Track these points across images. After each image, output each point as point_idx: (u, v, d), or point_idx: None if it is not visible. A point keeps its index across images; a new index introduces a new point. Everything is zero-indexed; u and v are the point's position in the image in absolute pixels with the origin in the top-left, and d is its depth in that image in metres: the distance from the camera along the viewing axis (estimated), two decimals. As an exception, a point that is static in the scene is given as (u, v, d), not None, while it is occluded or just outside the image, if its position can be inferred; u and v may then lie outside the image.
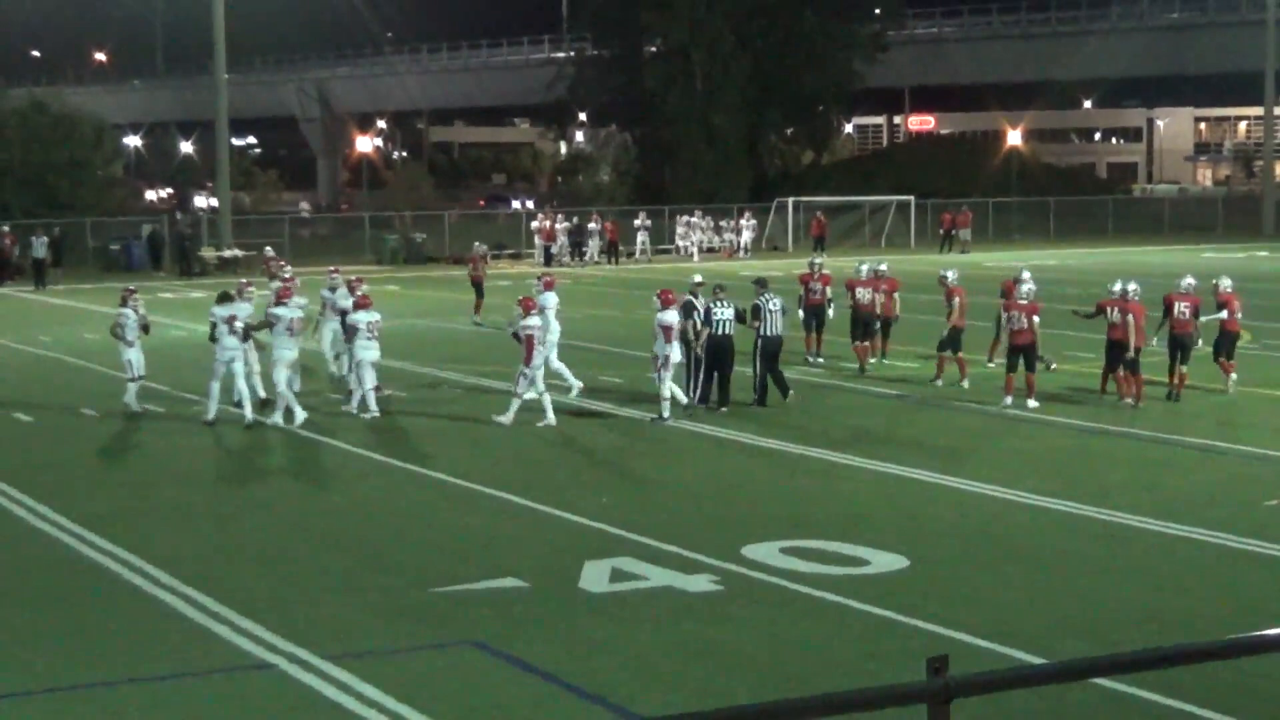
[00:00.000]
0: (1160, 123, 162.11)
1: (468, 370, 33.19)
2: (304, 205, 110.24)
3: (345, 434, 26.04)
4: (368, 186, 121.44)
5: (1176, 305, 29.16)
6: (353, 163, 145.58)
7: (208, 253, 68.06)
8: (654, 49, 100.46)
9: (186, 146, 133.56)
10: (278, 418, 26.79)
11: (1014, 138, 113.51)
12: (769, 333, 28.53)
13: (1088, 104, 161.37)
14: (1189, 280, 29.72)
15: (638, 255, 72.60)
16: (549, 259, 69.78)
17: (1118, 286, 28.92)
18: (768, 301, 28.82)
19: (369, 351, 27.85)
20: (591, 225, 72.41)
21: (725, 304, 28.25)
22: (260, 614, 15.48)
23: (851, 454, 23.76)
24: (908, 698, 6.52)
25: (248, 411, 26.85)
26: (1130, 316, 28.04)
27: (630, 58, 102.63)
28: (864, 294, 32.94)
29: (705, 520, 19.53)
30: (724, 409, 27.90)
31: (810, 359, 34.33)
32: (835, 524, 19.27)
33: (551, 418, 26.66)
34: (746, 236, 76.19)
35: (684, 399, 27.63)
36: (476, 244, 49.55)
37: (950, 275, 32.03)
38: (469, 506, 20.69)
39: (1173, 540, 18.39)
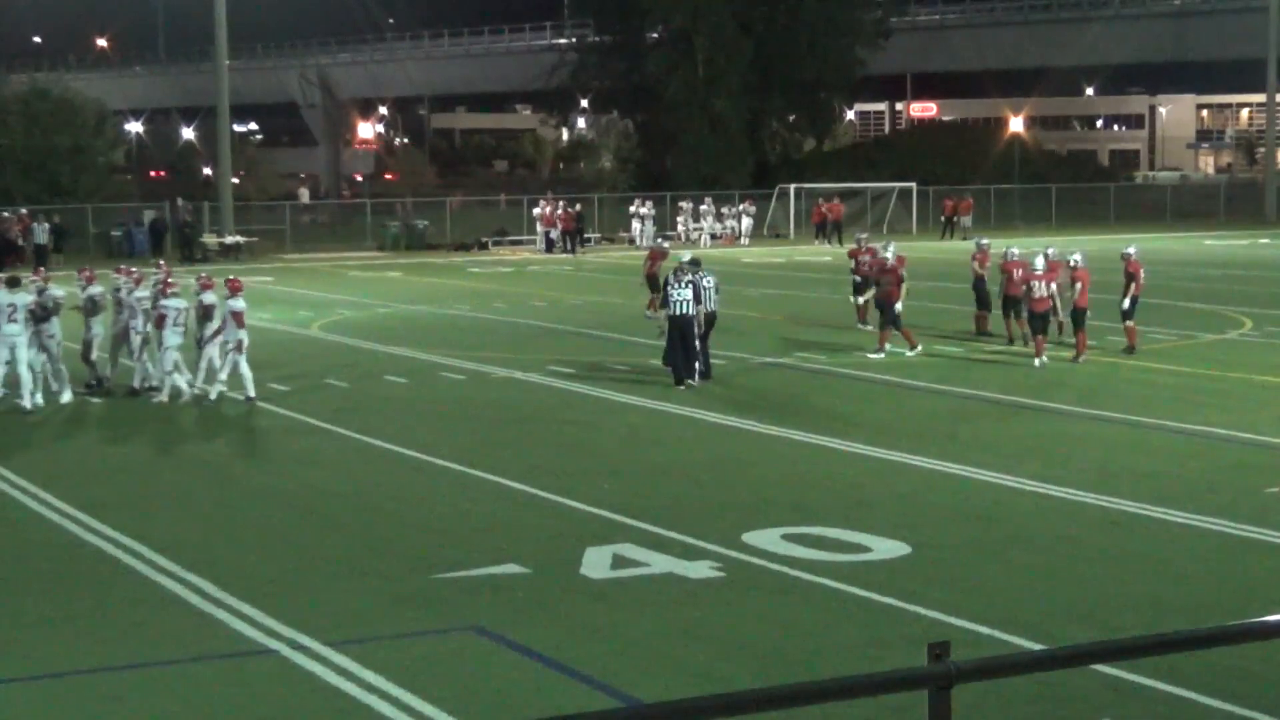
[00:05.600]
0: (1162, 110, 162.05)
1: (468, 356, 33.19)
2: (303, 191, 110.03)
3: (346, 420, 26.03)
4: (371, 172, 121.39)
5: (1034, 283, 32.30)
6: (355, 149, 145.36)
7: (209, 239, 68.09)
8: (655, 35, 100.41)
9: (188, 132, 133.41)
10: (163, 396, 28.07)
11: (1016, 124, 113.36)
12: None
13: (1090, 91, 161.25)
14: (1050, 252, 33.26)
15: (640, 242, 72.62)
16: (550, 245, 69.83)
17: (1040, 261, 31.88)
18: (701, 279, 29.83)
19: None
20: (540, 211, 72.22)
21: (683, 285, 29.22)
22: (261, 599, 15.49)
23: (852, 440, 23.76)
24: (909, 683, 6.52)
25: (26, 400, 27.46)
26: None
27: (632, 44, 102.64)
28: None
29: (706, 507, 19.52)
30: (689, 384, 28.84)
31: (861, 326, 36.84)
32: (836, 510, 19.27)
33: (165, 396, 27.94)
34: (745, 223, 76.26)
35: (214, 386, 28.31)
36: (659, 240, 50.15)
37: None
38: (471, 492, 20.69)
39: (1173, 527, 18.38)
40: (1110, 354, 32.36)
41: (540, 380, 30.06)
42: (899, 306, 32.50)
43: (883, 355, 32.39)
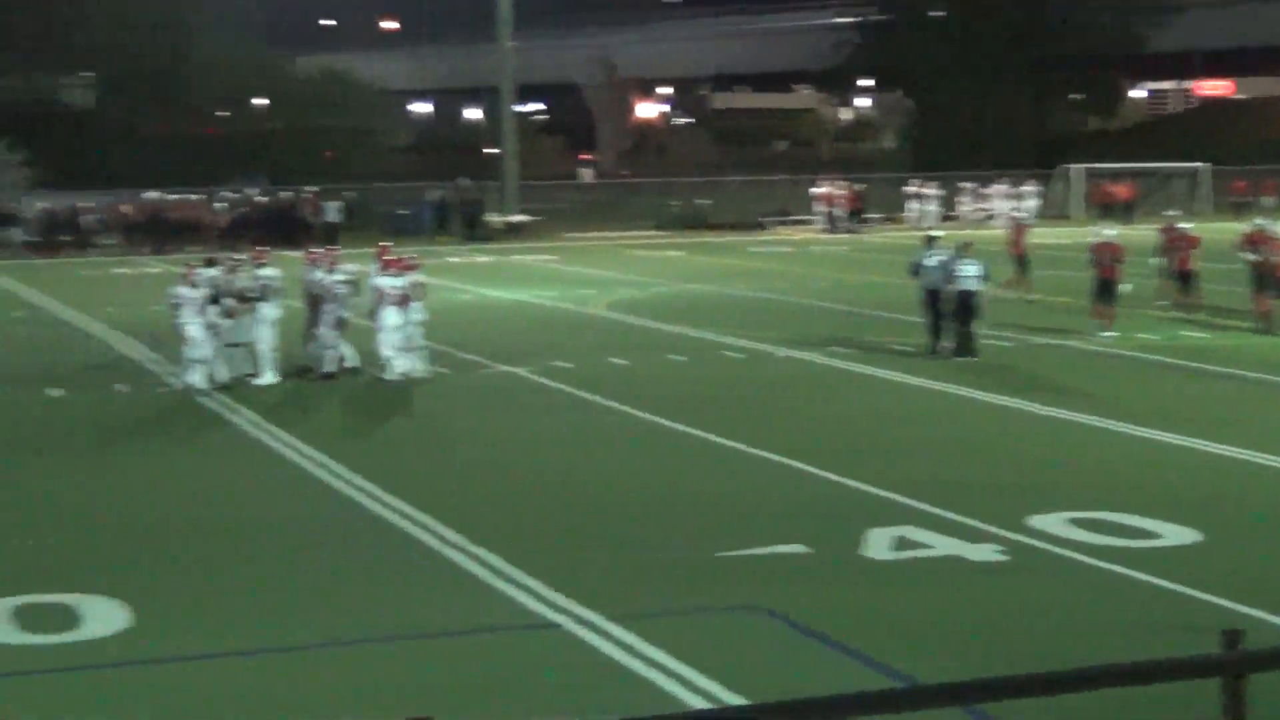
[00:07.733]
0: None
1: (749, 335, 33.19)
2: (586, 172, 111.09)
3: (626, 397, 26.14)
4: (650, 152, 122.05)
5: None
6: (635, 129, 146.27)
7: (493, 218, 69.05)
8: (937, 14, 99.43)
9: (475, 113, 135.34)
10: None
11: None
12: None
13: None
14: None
15: (920, 222, 72.00)
16: (833, 224, 69.57)
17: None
18: (930, 258, 30.89)
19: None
20: (820, 190, 72.21)
21: (970, 262, 30.23)
22: (545, 574, 15.66)
23: (1132, 424, 23.27)
24: (1199, 670, 6.42)
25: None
26: None
27: (912, 22, 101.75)
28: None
29: (988, 488, 19.33)
30: (970, 358, 29.65)
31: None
32: (1120, 495, 18.92)
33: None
34: (1032, 203, 75.06)
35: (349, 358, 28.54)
36: (1018, 211, 50.15)
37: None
38: (751, 470, 20.75)
39: None
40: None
41: (821, 360, 29.99)
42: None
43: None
